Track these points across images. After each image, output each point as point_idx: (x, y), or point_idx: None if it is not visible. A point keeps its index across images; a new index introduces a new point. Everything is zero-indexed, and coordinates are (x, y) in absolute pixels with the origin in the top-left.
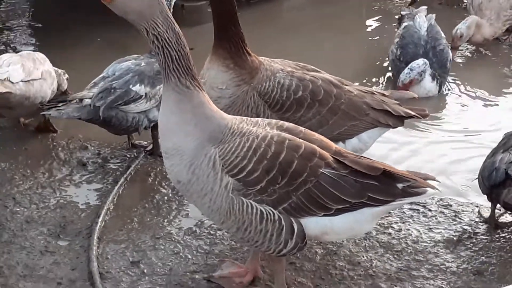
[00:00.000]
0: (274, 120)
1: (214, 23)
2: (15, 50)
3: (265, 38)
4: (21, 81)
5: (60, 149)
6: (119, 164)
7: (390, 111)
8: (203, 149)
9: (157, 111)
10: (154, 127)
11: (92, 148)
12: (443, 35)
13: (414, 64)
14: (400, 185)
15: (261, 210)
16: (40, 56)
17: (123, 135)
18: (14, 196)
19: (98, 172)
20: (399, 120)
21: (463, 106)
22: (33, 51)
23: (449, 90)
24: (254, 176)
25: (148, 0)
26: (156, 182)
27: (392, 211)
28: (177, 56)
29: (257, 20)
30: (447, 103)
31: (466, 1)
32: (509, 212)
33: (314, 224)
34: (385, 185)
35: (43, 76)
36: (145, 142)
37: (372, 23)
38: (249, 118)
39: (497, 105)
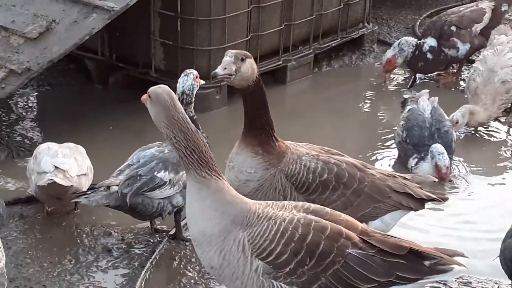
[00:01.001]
0: (300, 203)
1: (245, 112)
2: (32, 141)
3: None
4: (76, 175)
5: (84, 235)
6: (144, 249)
7: (412, 194)
8: (230, 233)
9: (180, 197)
10: (177, 212)
11: (116, 234)
12: (446, 117)
13: (439, 149)
14: (427, 263)
15: None
16: (83, 149)
17: (147, 220)
18: (44, 284)
19: (124, 258)
20: (421, 203)
21: (468, 185)
22: (44, 141)
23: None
24: (283, 259)
25: (155, 109)
26: (182, 266)
27: None
28: (188, 152)
29: None
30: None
31: (463, 85)
32: None
33: None
34: (412, 263)
35: (87, 171)
36: (166, 227)
37: (371, 106)
38: (275, 202)
39: (504, 184)
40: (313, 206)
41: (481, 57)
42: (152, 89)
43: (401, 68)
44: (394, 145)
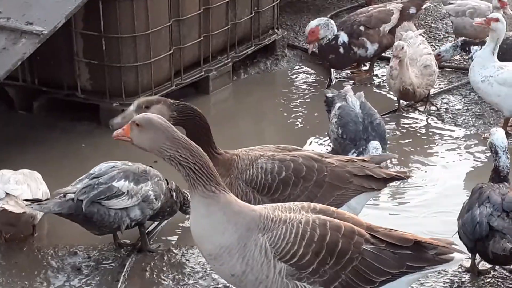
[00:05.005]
0: (306, 203)
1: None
2: None
3: None
4: None
5: (49, 258)
6: (113, 264)
7: (372, 175)
8: (249, 239)
9: (138, 210)
10: (140, 224)
11: (81, 252)
12: (375, 110)
13: (374, 145)
14: (431, 252)
15: None
16: (38, 175)
17: (106, 234)
18: None
19: (95, 274)
20: (382, 182)
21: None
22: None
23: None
24: (306, 260)
25: (150, 135)
26: (155, 276)
27: None
28: (196, 168)
29: None
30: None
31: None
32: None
33: None
34: (418, 253)
35: (43, 196)
36: (129, 241)
37: (289, 108)
38: (280, 205)
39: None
40: (319, 206)
41: None
42: (139, 117)
43: (314, 69)
44: (318, 142)
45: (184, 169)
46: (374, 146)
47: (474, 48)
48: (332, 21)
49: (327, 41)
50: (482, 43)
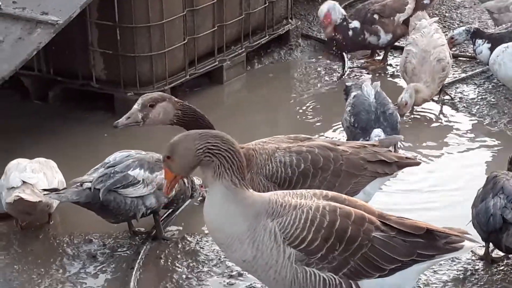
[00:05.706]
0: (318, 191)
1: None
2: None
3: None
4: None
5: (65, 245)
6: (128, 252)
7: (384, 159)
8: (258, 224)
9: (154, 198)
10: (155, 212)
11: (96, 240)
12: (389, 100)
13: (376, 133)
14: (442, 241)
15: (323, 277)
16: (54, 164)
17: (121, 222)
18: None
19: (110, 262)
20: (394, 166)
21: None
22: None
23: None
24: (315, 245)
25: (183, 159)
26: (169, 263)
27: None
28: (228, 155)
29: (202, 107)
30: None
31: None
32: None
33: (370, 285)
34: (430, 241)
35: (59, 185)
36: (143, 229)
37: (303, 98)
38: (292, 191)
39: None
40: (330, 193)
41: (411, 40)
42: (166, 153)
43: (328, 59)
44: (332, 132)
45: (217, 159)
46: (377, 134)
47: (478, 41)
48: (337, 4)
49: (339, 22)
50: (489, 38)
